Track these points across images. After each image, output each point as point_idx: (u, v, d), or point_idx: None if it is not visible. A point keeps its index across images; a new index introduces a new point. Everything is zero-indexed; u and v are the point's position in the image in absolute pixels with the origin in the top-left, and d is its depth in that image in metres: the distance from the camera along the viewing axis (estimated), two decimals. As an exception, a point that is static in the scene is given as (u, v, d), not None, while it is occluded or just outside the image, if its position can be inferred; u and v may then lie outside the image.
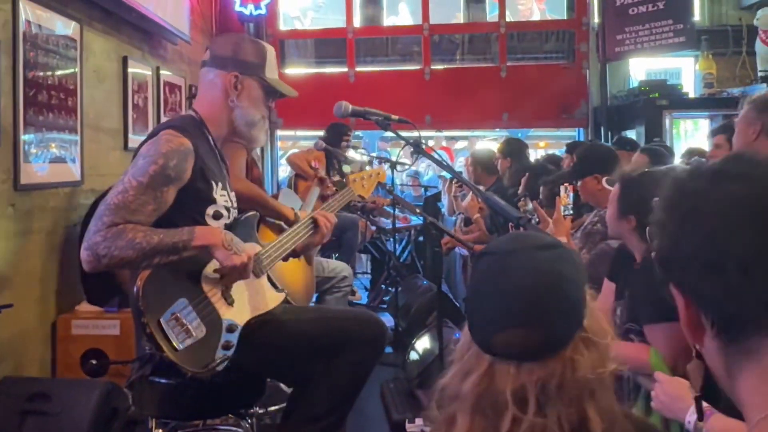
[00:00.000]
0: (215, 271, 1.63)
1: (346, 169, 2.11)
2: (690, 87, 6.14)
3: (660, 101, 5.41)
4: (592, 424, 0.79)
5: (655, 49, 5.77)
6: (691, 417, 1.27)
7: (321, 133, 4.55)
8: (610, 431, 0.80)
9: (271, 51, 1.82)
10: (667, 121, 5.43)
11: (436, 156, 1.70)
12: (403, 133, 1.89)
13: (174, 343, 1.53)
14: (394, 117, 1.70)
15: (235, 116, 1.75)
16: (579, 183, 2.71)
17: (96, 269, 1.52)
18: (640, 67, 6.58)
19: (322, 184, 1.88)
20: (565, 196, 2.60)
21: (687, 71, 6.46)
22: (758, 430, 0.55)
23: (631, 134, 5.63)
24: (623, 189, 1.78)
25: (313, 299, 2.77)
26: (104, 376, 2.79)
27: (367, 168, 2.50)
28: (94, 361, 2.87)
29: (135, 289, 1.54)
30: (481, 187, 4.01)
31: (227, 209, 1.74)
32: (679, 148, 4.86)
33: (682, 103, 5.49)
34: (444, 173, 6.54)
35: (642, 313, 1.64)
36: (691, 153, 4.06)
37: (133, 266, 1.55)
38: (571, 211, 2.65)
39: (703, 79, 5.87)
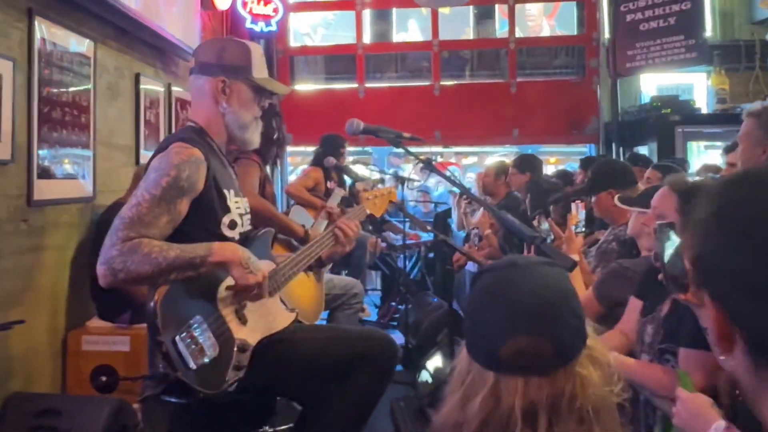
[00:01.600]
0: (228, 288, 1.62)
1: (358, 185, 2.10)
2: (702, 103, 6.12)
3: (672, 117, 5.38)
4: None
5: (667, 64, 5.75)
6: None
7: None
8: None
9: (256, 50, 1.79)
10: (679, 137, 5.39)
11: (447, 173, 1.69)
12: (414, 149, 1.88)
13: (188, 362, 1.52)
14: (406, 135, 1.70)
15: (227, 121, 1.73)
16: (593, 199, 2.68)
17: (112, 284, 1.51)
18: (652, 83, 6.56)
19: (330, 218, 1.86)
20: (576, 214, 2.58)
21: (699, 87, 6.43)
22: None
23: (643, 150, 5.59)
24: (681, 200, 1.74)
25: (324, 316, 2.75)
26: (114, 393, 2.78)
27: (379, 186, 2.50)
28: (104, 378, 2.86)
29: (152, 305, 1.53)
30: (490, 200, 3.99)
31: (241, 216, 1.73)
32: (693, 165, 4.82)
33: (694, 119, 5.45)
34: (454, 189, 6.53)
35: (682, 334, 1.59)
36: (707, 169, 4.03)
37: (149, 281, 1.54)
38: (583, 229, 2.63)
39: (716, 95, 5.85)
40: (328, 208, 1.94)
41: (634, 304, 1.86)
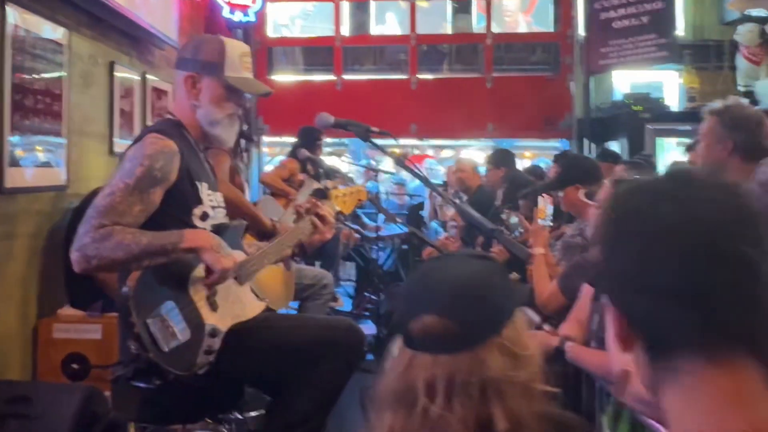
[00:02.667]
0: (205, 281, 1.66)
1: (327, 183, 2.16)
2: (674, 101, 6.26)
3: (643, 114, 5.50)
4: (496, 424, 0.83)
5: (638, 62, 5.88)
6: None
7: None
8: (516, 431, 0.84)
9: (236, 48, 1.79)
10: (649, 134, 5.53)
11: (421, 166, 1.74)
12: (391, 142, 1.94)
13: (159, 345, 1.57)
14: (375, 129, 1.74)
15: (198, 116, 1.76)
16: (561, 193, 2.77)
17: (86, 270, 1.54)
18: (625, 81, 6.70)
19: (298, 215, 1.90)
20: (543, 207, 2.66)
21: (671, 85, 6.58)
22: None
23: (614, 146, 5.72)
24: None
25: (295, 306, 2.79)
26: (85, 380, 2.79)
27: (349, 184, 2.55)
28: (75, 365, 2.88)
29: (125, 289, 1.57)
30: (464, 195, 4.07)
31: (214, 209, 1.77)
32: (663, 161, 4.95)
33: (664, 117, 5.59)
34: (435, 181, 6.60)
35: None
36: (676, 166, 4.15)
37: (122, 267, 1.58)
38: (550, 222, 2.71)
39: (686, 93, 6.00)
40: (296, 206, 1.99)
41: (588, 291, 1.94)
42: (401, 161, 1.71)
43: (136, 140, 1.69)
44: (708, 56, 6.18)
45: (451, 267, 0.94)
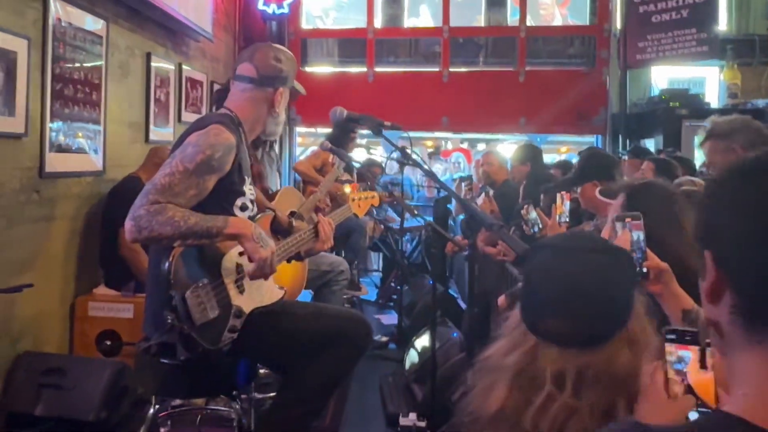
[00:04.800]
0: (248, 272, 1.76)
1: (345, 188, 2.30)
2: (714, 97, 6.08)
3: (680, 110, 5.37)
4: (619, 411, 0.87)
5: (677, 57, 5.73)
6: None
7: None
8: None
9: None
10: (686, 131, 5.39)
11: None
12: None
13: (193, 318, 1.68)
14: (387, 123, 1.79)
15: (269, 122, 1.94)
16: (579, 189, 2.76)
17: (136, 240, 1.66)
18: (664, 76, 6.54)
19: (317, 210, 2.03)
20: (561, 204, 2.66)
21: (712, 81, 6.40)
22: (735, 399, 0.60)
23: (649, 143, 5.60)
24: (629, 200, 1.82)
25: (311, 293, 2.89)
26: (117, 356, 2.94)
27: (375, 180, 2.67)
28: (108, 342, 3.04)
29: (166, 264, 1.69)
30: (489, 191, 4.07)
31: (252, 202, 1.89)
32: (700, 159, 4.83)
33: (702, 113, 5.44)
34: (460, 174, 6.59)
35: None
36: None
37: (168, 242, 1.68)
38: (567, 219, 2.71)
39: (727, 90, 5.82)
40: (317, 200, 2.11)
41: None
42: (407, 154, 1.76)
43: (199, 126, 1.78)
44: (753, 51, 5.98)
45: (573, 266, 0.96)
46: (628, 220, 1.31)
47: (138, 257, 2.96)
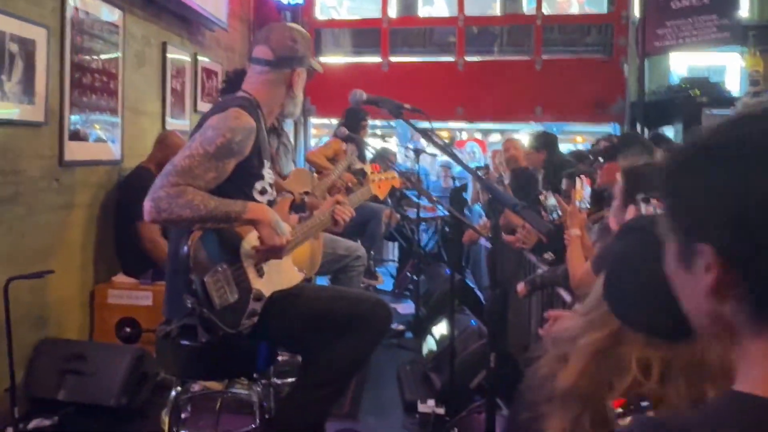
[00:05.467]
0: (254, 248, 1.77)
1: (366, 168, 2.28)
2: (735, 85, 5.97)
3: (700, 99, 5.28)
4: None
5: (698, 44, 5.63)
6: None
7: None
8: None
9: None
10: (706, 120, 5.30)
11: (441, 143, 1.77)
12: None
13: (213, 301, 1.68)
14: (407, 106, 1.77)
15: (287, 102, 1.93)
16: (603, 166, 2.73)
17: (155, 221, 1.66)
18: (683, 63, 6.44)
19: (330, 191, 2.03)
20: (581, 189, 2.63)
21: (733, 68, 6.28)
22: (746, 380, 0.57)
23: (668, 132, 5.53)
24: (626, 181, 1.81)
25: (328, 278, 2.89)
26: (137, 343, 2.97)
27: (390, 168, 2.65)
28: (127, 329, 3.07)
29: (185, 248, 1.69)
30: (503, 180, 4.05)
31: (271, 186, 1.89)
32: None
33: (723, 101, 5.34)
34: (476, 164, 6.56)
35: None
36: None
37: (187, 225, 1.68)
38: (587, 204, 2.68)
39: (749, 77, 5.71)
40: (330, 181, 2.10)
41: None
42: (430, 137, 1.74)
43: (219, 109, 1.78)
44: (775, 38, 5.85)
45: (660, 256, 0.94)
46: (654, 200, 1.28)
47: (159, 249, 2.98)
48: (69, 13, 2.86)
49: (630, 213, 1.79)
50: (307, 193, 2.16)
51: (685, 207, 0.60)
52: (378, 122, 5.89)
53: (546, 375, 0.95)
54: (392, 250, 5.93)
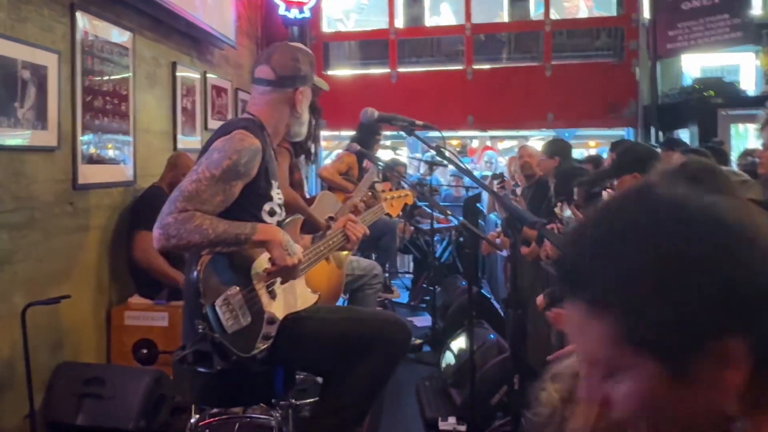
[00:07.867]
0: (266, 270, 1.74)
1: (377, 186, 2.26)
2: (751, 84, 5.89)
3: (714, 100, 5.21)
4: None
5: (710, 45, 5.57)
6: None
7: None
8: None
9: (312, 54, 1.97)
10: (722, 121, 5.23)
11: (455, 160, 1.74)
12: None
13: (224, 326, 1.66)
14: (419, 122, 1.75)
15: (292, 122, 1.91)
16: (617, 181, 2.68)
17: (164, 248, 1.65)
18: (696, 64, 6.37)
19: (353, 211, 1.99)
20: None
21: (747, 68, 6.20)
22: None
23: (683, 134, 5.45)
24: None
25: (346, 296, 2.86)
26: (154, 365, 2.95)
27: (403, 185, 2.62)
28: (144, 351, 3.05)
29: (195, 273, 1.67)
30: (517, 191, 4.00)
31: (280, 206, 1.87)
32: (739, 149, 4.68)
33: (738, 102, 5.27)
34: (494, 173, 6.52)
35: None
36: (747, 154, 3.92)
37: (197, 250, 1.67)
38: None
39: (764, 76, 5.63)
40: (353, 204, 2.08)
41: None
42: (443, 154, 1.71)
43: (224, 132, 1.77)
44: (790, 36, 5.77)
45: None
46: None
47: (151, 259, 2.98)
48: (79, 37, 2.88)
49: None
50: (331, 218, 2.13)
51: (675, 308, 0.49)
52: (388, 132, 5.87)
53: (550, 415, 0.91)
54: (407, 262, 5.89)
